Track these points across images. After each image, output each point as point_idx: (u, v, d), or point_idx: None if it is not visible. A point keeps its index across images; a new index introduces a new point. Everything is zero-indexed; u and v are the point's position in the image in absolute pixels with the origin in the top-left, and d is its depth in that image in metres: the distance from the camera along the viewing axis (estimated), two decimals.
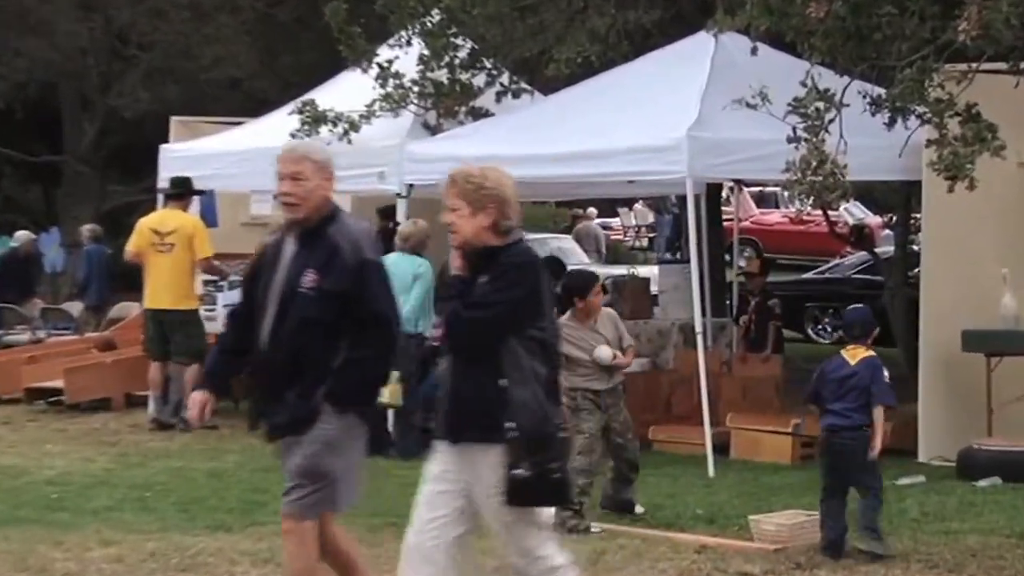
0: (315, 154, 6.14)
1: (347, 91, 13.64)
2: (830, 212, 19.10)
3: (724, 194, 20.60)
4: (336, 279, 5.93)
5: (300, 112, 13.31)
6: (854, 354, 8.16)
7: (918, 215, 14.34)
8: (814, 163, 9.42)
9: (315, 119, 13.17)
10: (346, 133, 13.05)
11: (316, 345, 5.91)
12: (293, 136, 13.09)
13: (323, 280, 5.93)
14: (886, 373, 8.14)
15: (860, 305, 8.65)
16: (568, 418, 8.86)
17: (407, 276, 11.61)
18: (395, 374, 11.32)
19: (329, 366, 5.91)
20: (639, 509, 9.28)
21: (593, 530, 8.73)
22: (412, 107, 13.38)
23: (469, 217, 5.53)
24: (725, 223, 18.76)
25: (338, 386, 5.91)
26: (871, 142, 10.62)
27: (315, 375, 5.90)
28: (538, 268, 5.63)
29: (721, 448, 11.40)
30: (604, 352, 9.16)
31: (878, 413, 8.03)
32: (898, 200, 17.74)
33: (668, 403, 13.14)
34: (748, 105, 9.70)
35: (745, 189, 25.44)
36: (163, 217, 13.54)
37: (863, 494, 8.05)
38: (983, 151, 9.56)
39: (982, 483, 10.32)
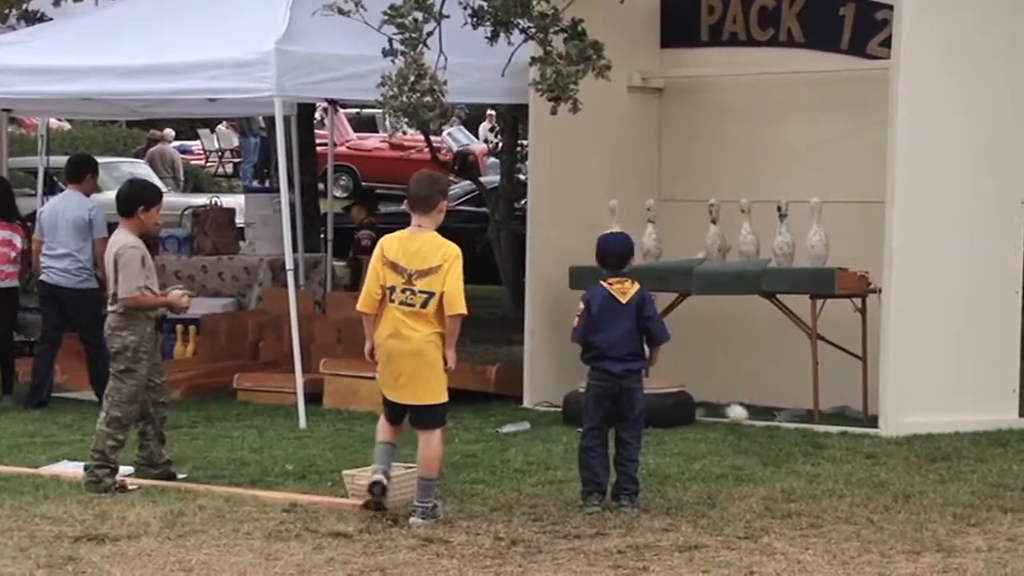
0: None
1: None
2: (432, 137, 19.45)
3: (317, 116, 20.65)
4: None
5: None
6: (623, 290, 8.33)
7: (525, 142, 14.79)
8: (412, 78, 9.53)
9: None
10: None
11: None
12: None
13: None
14: (656, 305, 8.47)
15: (617, 230, 8.73)
16: (127, 358, 8.77)
17: None
18: None
19: None
20: (182, 475, 9.13)
21: (130, 488, 8.68)
22: None
23: None
24: (319, 148, 18.83)
25: None
26: (473, 61, 10.85)
27: None
28: None
29: (314, 397, 11.49)
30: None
31: (656, 353, 8.40)
32: (504, 125, 18.25)
33: (255, 348, 13.11)
34: (340, 12, 9.68)
35: (341, 110, 25.55)
36: None
37: (632, 439, 8.29)
38: (587, 71, 9.91)
39: None
